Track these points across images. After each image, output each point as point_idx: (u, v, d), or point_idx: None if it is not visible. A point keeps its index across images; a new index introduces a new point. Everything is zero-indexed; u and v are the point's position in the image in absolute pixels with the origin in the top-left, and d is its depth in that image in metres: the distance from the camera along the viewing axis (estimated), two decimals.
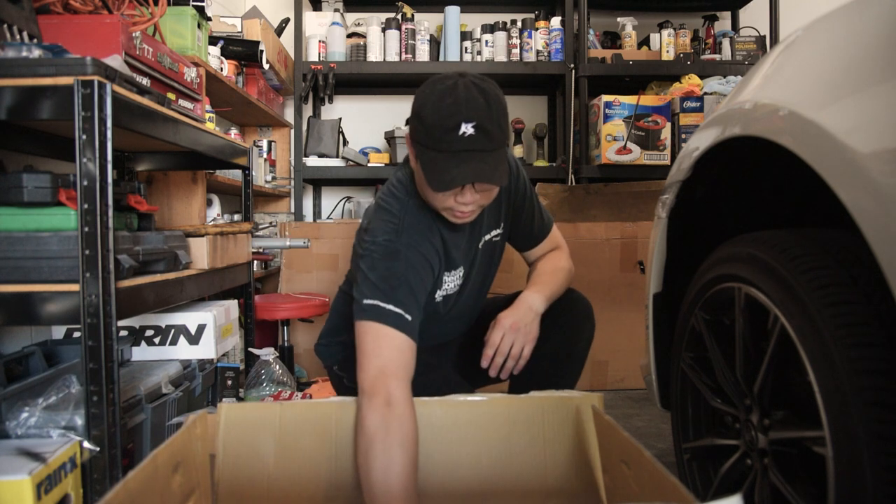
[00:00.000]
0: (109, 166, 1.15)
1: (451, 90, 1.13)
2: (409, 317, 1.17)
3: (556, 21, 3.35)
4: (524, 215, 1.46)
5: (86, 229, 1.14)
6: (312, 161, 3.37)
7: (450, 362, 1.51)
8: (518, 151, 3.52)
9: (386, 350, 1.13)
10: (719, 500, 0.63)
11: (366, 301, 1.17)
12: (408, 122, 1.24)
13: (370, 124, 3.67)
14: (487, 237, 1.42)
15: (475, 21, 3.49)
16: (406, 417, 1.06)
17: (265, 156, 3.28)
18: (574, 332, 1.45)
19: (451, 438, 1.12)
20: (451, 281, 1.38)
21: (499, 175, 1.15)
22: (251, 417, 1.09)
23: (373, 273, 1.20)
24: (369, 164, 3.37)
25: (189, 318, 1.74)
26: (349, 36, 3.41)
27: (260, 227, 3.05)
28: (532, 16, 3.44)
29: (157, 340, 1.73)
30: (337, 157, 3.41)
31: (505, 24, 3.37)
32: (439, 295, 1.38)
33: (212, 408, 1.82)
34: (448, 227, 1.31)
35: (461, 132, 1.11)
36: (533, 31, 3.36)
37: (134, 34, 1.48)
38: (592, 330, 1.50)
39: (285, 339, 2.50)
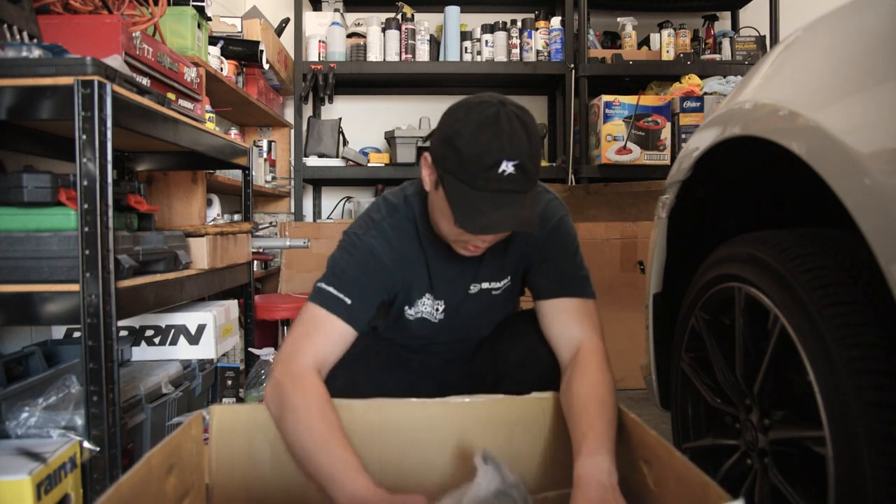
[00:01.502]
0: (109, 166, 1.15)
1: (493, 121, 1.03)
2: (348, 301, 1.15)
3: (556, 21, 3.35)
4: (553, 264, 1.25)
5: (86, 229, 1.14)
6: (312, 161, 3.37)
7: (428, 371, 1.39)
8: None
9: (308, 330, 1.14)
10: (729, 500, 0.63)
11: (316, 284, 1.19)
12: (427, 138, 1.16)
13: (370, 124, 3.67)
14: (485, 286, 1.29)
15: (475, 21, 3.49)
16: (300, 391, 1.05)
17: (265, 156, 3.28)
18: (551, 366, 1.21)
19: (451, 440, 1.11)
20: (430, 307, 1.29)
21: (535, 221, 1.08)
22: (244, 420, 1.08)
23: (329, 261, 1.22)
24: (369, 164, 3.36)
25: (189, 318, 1.74)
26: (349, 36, 3.41)
27: (260, 227, 3.05)
28: (532, 16, 3.44)
29: (157, 340, 1.73)
30: (337, 157, 3.41)
31: (505, 24, 3.37)
32: (411, 314, 1.29)
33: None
34: (436, 254, 1.24)
35: (501, 170, 1.02)
36: (533, 31, 3.36)
37: (134, 34, 1.48)
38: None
39: (285, 339, 2.50)
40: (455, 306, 1.31)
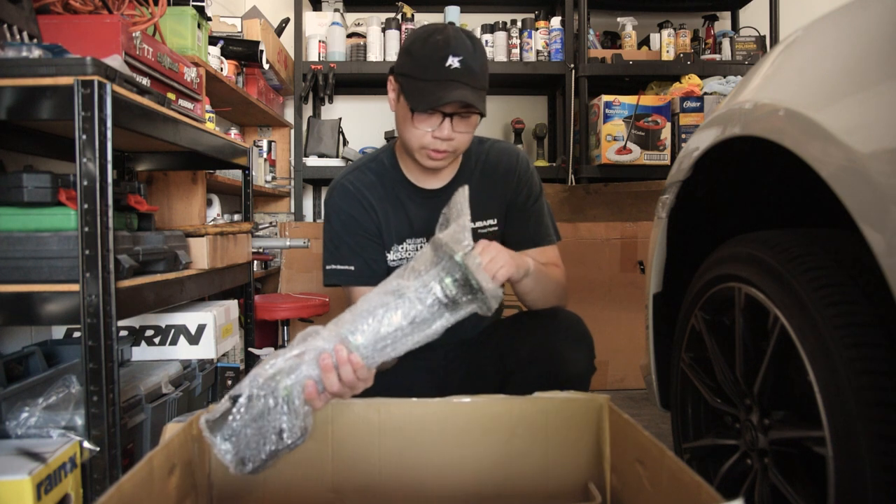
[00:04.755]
0: (109, 166, 1.15)
1: (441, 30, 1.23)
2: (352, 267, 1.33)
3: (556, 21, 3.35)
4: (523, 214, 1.40)
5: (86, 229, 1.14)
6: (312, 161, 3.37)
7: (423, 373, 1.42)
8: None
9: (347, 305, 1.24)
10: (721, 501, 0.63)
11: (323, 267, 1.37)
12: (391, 71, 1.32)
13: (370, 124, 3.67)
14: (471, 226, 1.38)
15: (475, 21, 3.49)
16: None
17: (265, 156, 3.28)
18: (562, 360, 1.26)
19: (451, 440, 1.11)
20: (412, 250, 1.38)
21: (482, 105, 1.22)
22: None
23: (323, 239, 1.38)
24: None
25: (189, 318, 1.74)
26: (349, 36, 3.41)
27: (260, 227, 3.05)
28: (532, 16, 3.44)
29: (157, 340, 1.73)
30: (337, 157, 3.41)
31: (505, 24, 3.37)
32: (392, 260, 1.37)
33: None
34: (412, 198, 1.37)
35: (448, 64, 1.19)
36: (533, 31, 3.36)
37: (134, 34, 1.48)
38: (588, 355, 1.29)
39: (285, 339, 2.50)
40: None
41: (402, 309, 0.93)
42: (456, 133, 1.24)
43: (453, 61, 1.19)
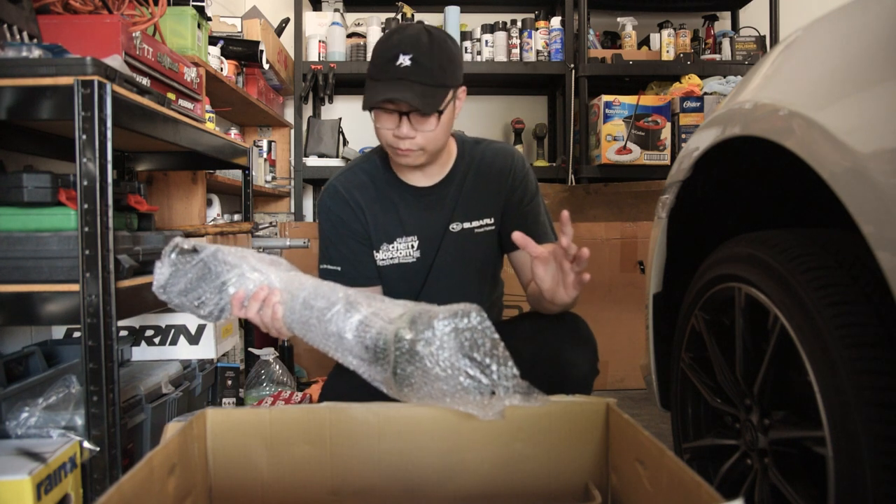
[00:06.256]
0: (109, 166, 1.15)
1: (403, 29, 1.25)
2: (339, 268, 1.35)
3: (556, 21, 3.35)
4: (520, 213, 1.40)
5: (86, 229, 1.14)
6: (312, 161, 3.37)
7: None
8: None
9: None
10: (721, 501, 0.63)
11: (319, 267, 1.39)
12: None
13: (370, 124, 3.63)
14: (467, 225, 1.39)
15: (475, 21, 3.49)
16: None
17: (265, 156, 3.28)
18: (565, 363, 1.28)
19: (451, 444, 1.11)
20: (404, 248, 1.38)
21: (423, 103, 1.19)
22: (238, 424, 1.07)
23: (319, 237, 1.42)
24: None
25: (189, 318, 1.74)
26: (349, 36, 3.41)
27: (260, 227, 3.05)
28: (532, 16, 3.44)
29: (157, 340, 1.73)
30: (337, 157, 3.41)
31: (505, 24, 3.37)
32: (381, 259, 1.37)
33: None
34: (404, 199, 1.37)
35: (398, 63, 1.19)
36: (533, 31, 3.36)
37: (134, 34, 1.48)
38: (591, 358, 1.32)
39: (285, 339, 2.50)
40: (434, 242, 1.37)
41: (339, 322, 0.97)
42: (417, 132, 1.24)
43: (403, 59, 1.19)
